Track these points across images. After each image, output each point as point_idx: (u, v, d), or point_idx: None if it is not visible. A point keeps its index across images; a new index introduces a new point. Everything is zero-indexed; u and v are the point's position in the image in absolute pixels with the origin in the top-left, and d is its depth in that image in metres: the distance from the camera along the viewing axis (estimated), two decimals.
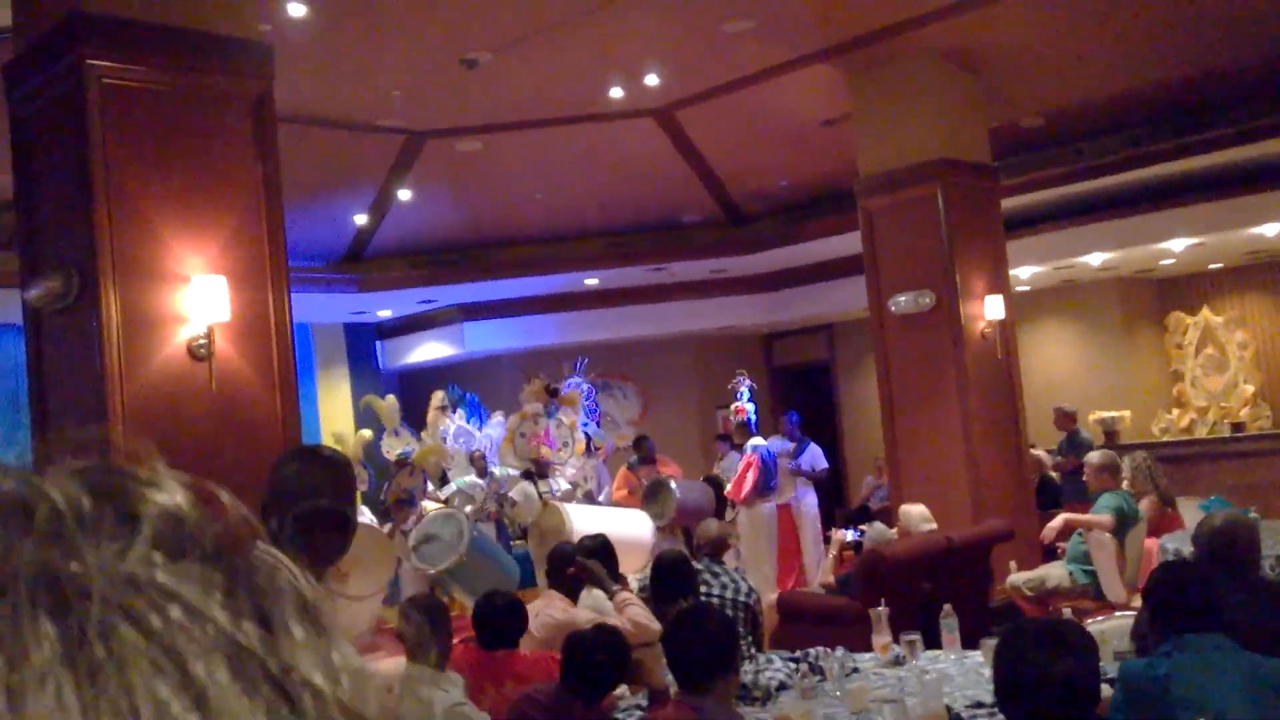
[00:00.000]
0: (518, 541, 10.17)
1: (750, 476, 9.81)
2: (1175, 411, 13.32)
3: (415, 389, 14.69)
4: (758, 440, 10.07)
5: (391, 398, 12.88)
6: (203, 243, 5.30)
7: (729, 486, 10.06)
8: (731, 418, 10.61)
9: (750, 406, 10.63)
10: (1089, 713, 2.65)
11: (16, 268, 5.63)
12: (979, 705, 3.78)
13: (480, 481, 11.03)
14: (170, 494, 0.37)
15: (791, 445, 10.88)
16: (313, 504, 2.43)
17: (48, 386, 5.51)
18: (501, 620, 4.28)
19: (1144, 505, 7.48)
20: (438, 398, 12.70)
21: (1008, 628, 3.32)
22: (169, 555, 0.35)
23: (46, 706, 0.30)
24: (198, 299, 5.20)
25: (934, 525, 7.08)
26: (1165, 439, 12.54)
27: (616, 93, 9.12)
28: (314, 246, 11.33)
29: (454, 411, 12.72)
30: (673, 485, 9.62)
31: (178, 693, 0.32)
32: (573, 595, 5.03)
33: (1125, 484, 7.39)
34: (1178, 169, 10.02)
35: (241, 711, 0.32)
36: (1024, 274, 11.81)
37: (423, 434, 12.70)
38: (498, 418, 12.31)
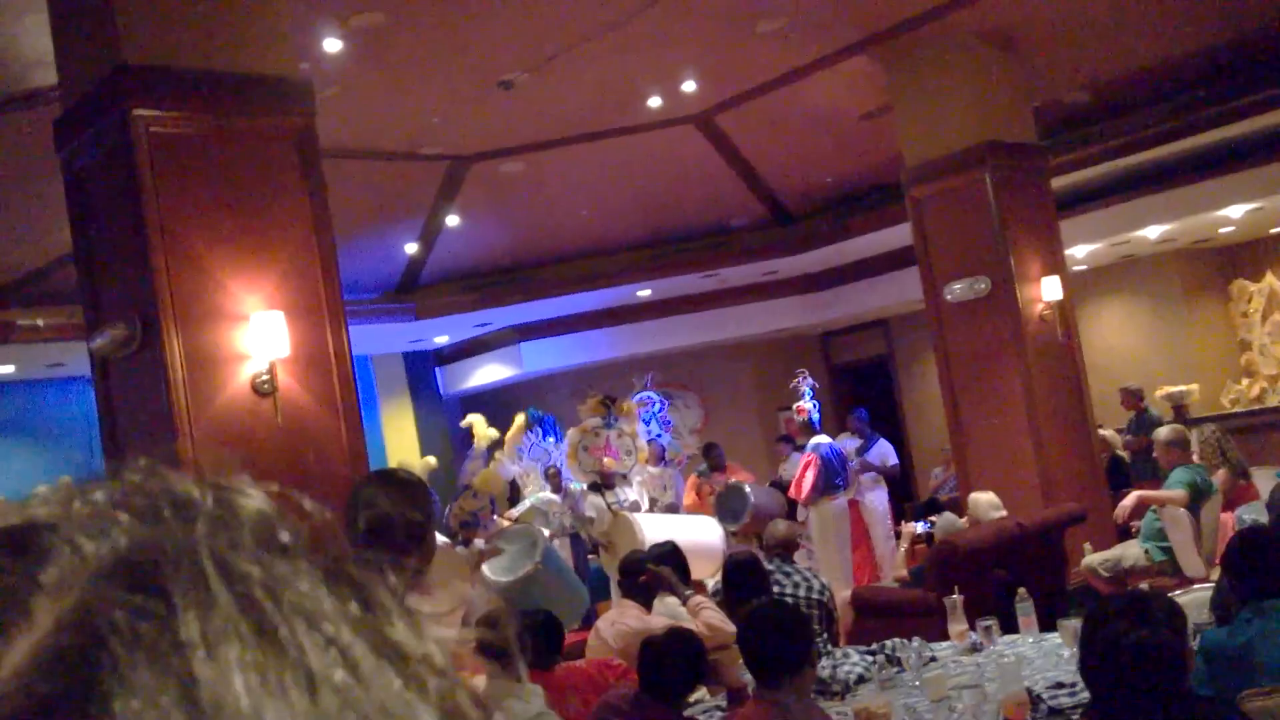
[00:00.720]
0: (594, 556, 10.20)
1: (810, 475, 9.73)
2: (1245, 381, 13.05)
3: (478, 411, 14.81)
4: (820, 439, 10.01)
5: (492, 430, 12.94)
6: (258, 280, 5.40)
7: (791, 487, 10.00)
8: (795, 417, 10.48)
9: (812, 405, 10.54)
10: (1178, 683, 2.62)
11: (81, 319, 5.79)
12: (1059, 685, 3.74)
13: (555, 497, 11.07)
14: (253, 497, 0.42)
15: (860, 442, 10.83)
16: (380, 513, 2.48)
17: (119, 431, 5.64)
18: (542, 637, 4.31)
19: (1216, 478, 7.35)
20: (520, 421, 12.79)
21: (1094, 604, 3.31)
22: (267, 546, 0.39)
23: (234, 652, 0.34)
24: (257, 336, 5.30)
25: (1004, 512, 7.01)
26: (1236, 410, 12.29)
27: (655, 102, 9.16)
28: (368, 279, 11.49)
29: (531, 431, 12.83)
30: (747, 490, 9.62)
31: (326, 647, 0.36)
32: (647, 603, 5.05)
33: (1195, 458, 7.26)
34: (1229, 134, 9.83)
35: (386, 674, 0.37)
36: (1079, 253, 11.65)
37: (496, 453, 12.80)
38: (570, 436, 12.39)
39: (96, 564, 0.37)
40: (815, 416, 10.41)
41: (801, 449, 10.29)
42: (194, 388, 5.20)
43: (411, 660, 0.38)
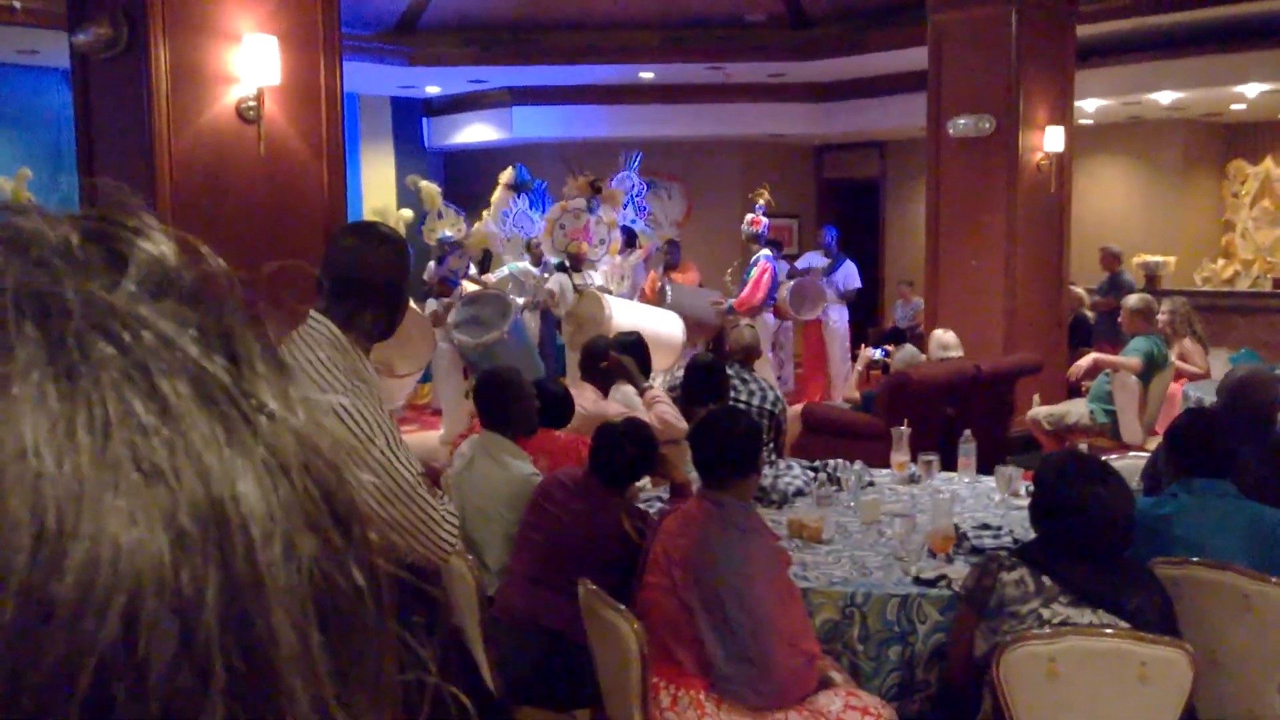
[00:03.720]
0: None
1: (765, 283, 9.66)
2: (1221, 262, 13.13)
3: (460, 170, 14.60)
4: (766, 251, 9.83)
5: (431, 183, 12.83)
6: (255, 1, 5.22)
7: (737, 295, 9.66)
8: (744, 227, 10.00)
9: (763, 220, 10.25)
10: (1125, 544, 2.82)
11: (64, 9, 5.57)
12: (985, 526, 3.90)
13: (534, 270, 11.07)
14: (157, 244, 0.40)
15: (826, 261, 10.83)
16: (356, 266, 2.48)
17: (95, 136, 5.52)
18: (554, 406, 4.44)
19: (1186, 348, 7.46)
20: (507, 174, 12.62)
21: (1054, 455, 3.46)
22: (150, 294, 0.38)
23: (28, 394, 0.34)
24: (248, 59, 5.16)
25: (957, 353, 7.11)
26: (1206, 288, 12.40)
27: None
28: (365, 14, 11.09)
29: (519, 196, 12.70)
30: (669, 290, 9.63)
31: (143, 399, 0.35)
32: (604, 389, 5.14)
33: (1162, 325, 7.36)
34: (1261, 8, 9.57)
35: (200, 421, 0.36)
36: (1089, 106, 11.47)
37: (484, 212, 12.72)
38: (548, 212, 12.29)
39: None
40: (762, 231, 10.01)
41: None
42: (177, 102, 5.08)
43: (259, 417, 0.37)
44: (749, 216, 9.98)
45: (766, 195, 10.20)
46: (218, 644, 0.34)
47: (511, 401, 4.05)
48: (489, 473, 3.91)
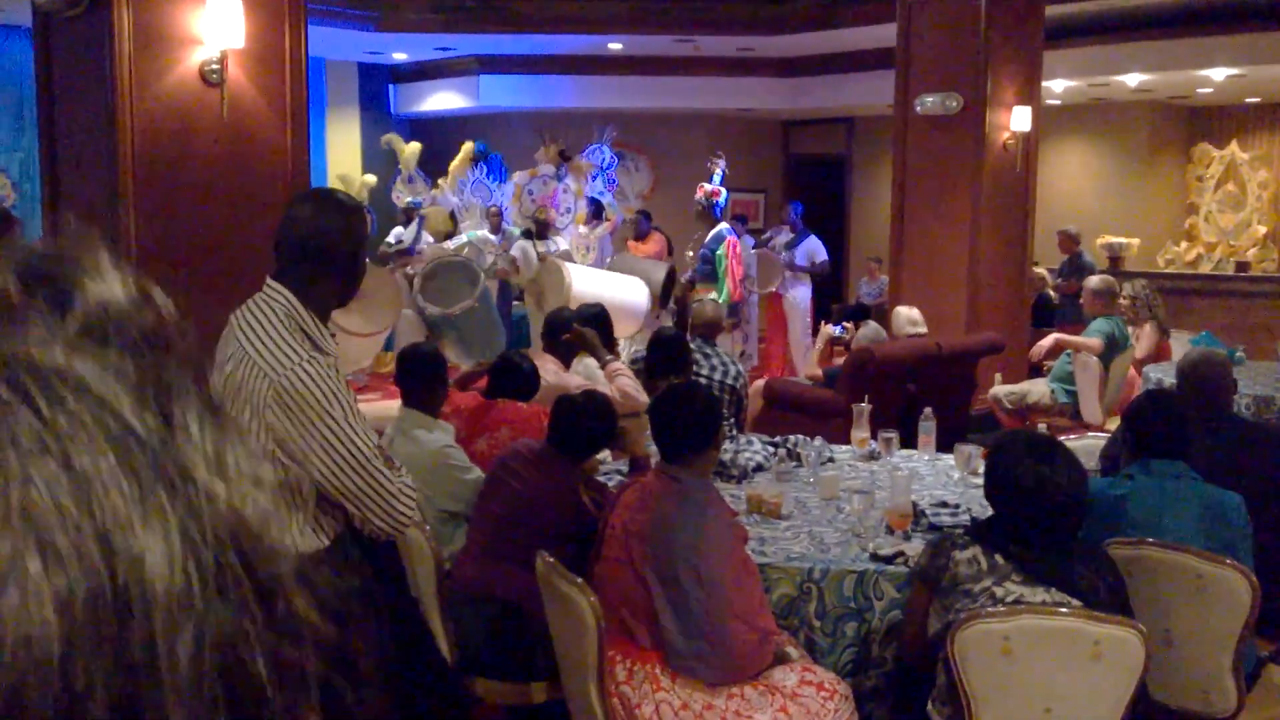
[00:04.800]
0: (519, 303, 10.26)
1: (742, 261, 9.49)
2: (1184, 244, 13.25)
3: (426, 138, 14.49)
4: (723, 225, 9.46)
5: (415, 144, 12.77)
6: None
7: (726, 281, 9.21)
8: (700, 198, 9.37)
9: (723, 191, 9.62)
10: (1077, 524, 2.84)
11: None
12: (943, 504, 3.92)
13: (493, 237, 11.04)
14: (108, 285, 0.39)
15: (790, 235, 10.84)
16: (312, 234, 2.46)
17: (56, 96, 5.43)
18: (522, 380, 4.42)
19: (1144, 333, 7.53)
20: (467, 148, 12.57)
21: (1006, 434, 3.49)
22: (94, 341, 0.37)
23: None
24: (212, 21, 5.08)
25: (923, 329, 7.14)
26: (1168, 270, 12.52)
27: None
28: None
29: (477, 165, 12.64)
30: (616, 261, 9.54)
31: (56, 476, 0.34)
32: (566, 361, 5.13)
33: (1124, 307, 7.43)
34: None
35: (116, 497, 0.35)
36: (1057, 87, 11.51)
37: (440, 181, 12.67)
38: (516, 178, 12.22)
39: None
40: (721, 204, 9.43)
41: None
42: (139, 63, 5.00)
43: (186, 487, 0.36)
44: (707, 187, 9.45)
45: (722, 164, 9.89)
46: None
47: (432, 378, 4.02)
48: (403, 450, 3.84)
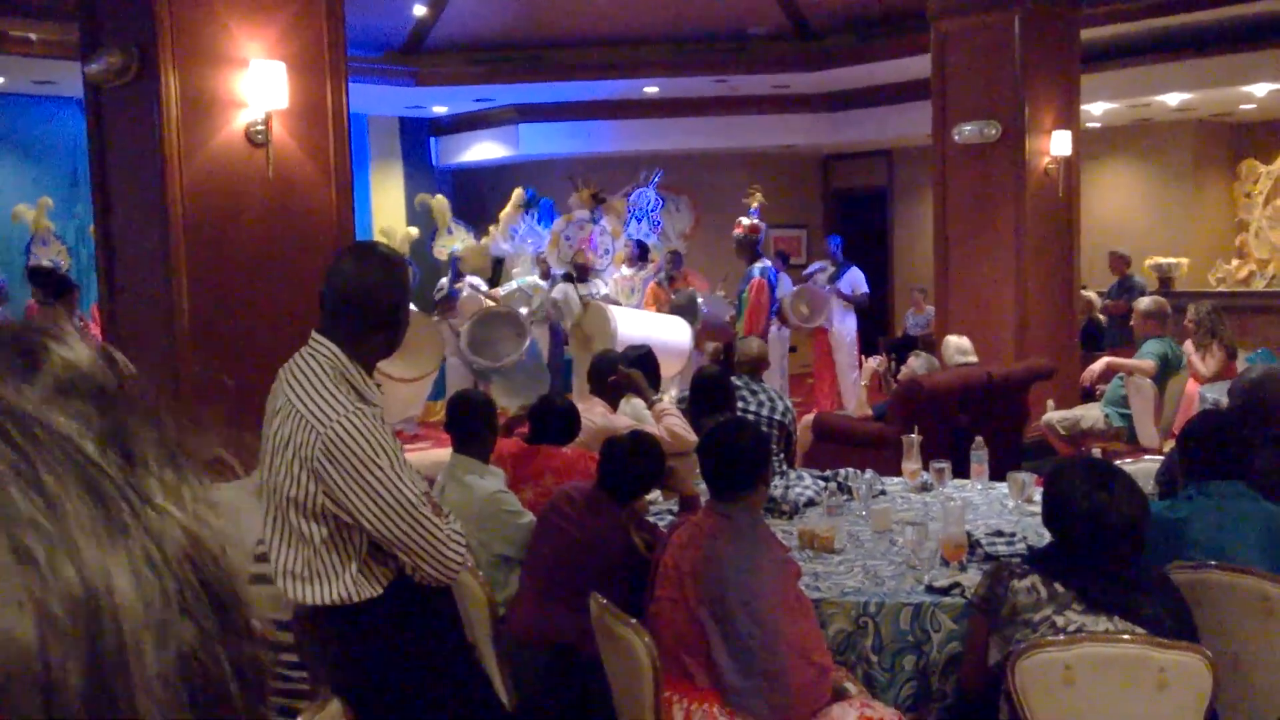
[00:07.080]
0: (569, 347, 10.30)
1: (764, 304, 9.17)
2: (1235, 262, 13.06)
3: (468, 188, 14.65)
4: (764, 263, 9.13)
5: (441, 197, 12.93)
6: (262, 27, 5.26)
7: (744, 317, 8.89)
8: (738, 234, 9.03)
9: (762, 226, 9.29)
10: (1138, 550, 2.80)
11: (77, 39, 5.63)
12: (999, 534, 3.88)
13: (543, 283, 11.13)
14: (73, 349, 0.43)
15: (831, 269, 10.83)
16: (355, 288, 2.50)
17: (109, 163, 5.57)
18: (560, 421, 4.43)
19: (1210, 353, 7.35)
20: (518, 194, 12.70)
21: (1063, 461, 3.45)
22: (61, 394, 0.41)
23: None
24: (256, 84, 5.20)
25: (973, 359, 7.08)
26: (1220, 289, 12.34)
27: None
28: (371, 36, 11.15)
29: (527, 212, 12.76)
30: (700, 299, 9.68)
31: (27, 493, 0.37)
32: (613, 402, 5.14)
33: (1189, 330, 7.29)
34: (1268, 8, 9.55)
35: (83, 515, 0.38)
36: (1096, 110, 11.44)
37: (490, 228, 12.80)
38: (554, 224, 12.32)
39: None
40: (760, 237, 9.12)
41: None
42: (187, 128, 5.12)
43: (147, 511, 0.40)
44: (745, 222, 9.17)
45: (759, 196, 9.91)
46: None
47: (481, 425, 4.03)
48: (455, 495, 3.86)
